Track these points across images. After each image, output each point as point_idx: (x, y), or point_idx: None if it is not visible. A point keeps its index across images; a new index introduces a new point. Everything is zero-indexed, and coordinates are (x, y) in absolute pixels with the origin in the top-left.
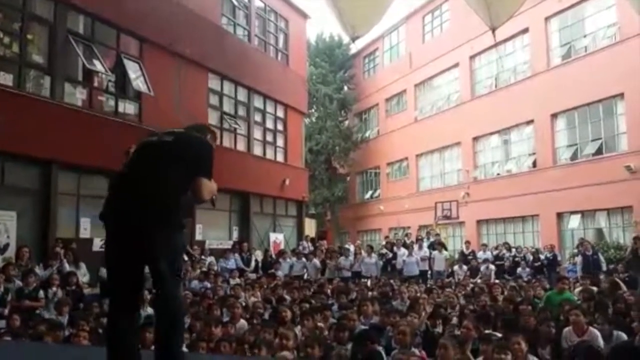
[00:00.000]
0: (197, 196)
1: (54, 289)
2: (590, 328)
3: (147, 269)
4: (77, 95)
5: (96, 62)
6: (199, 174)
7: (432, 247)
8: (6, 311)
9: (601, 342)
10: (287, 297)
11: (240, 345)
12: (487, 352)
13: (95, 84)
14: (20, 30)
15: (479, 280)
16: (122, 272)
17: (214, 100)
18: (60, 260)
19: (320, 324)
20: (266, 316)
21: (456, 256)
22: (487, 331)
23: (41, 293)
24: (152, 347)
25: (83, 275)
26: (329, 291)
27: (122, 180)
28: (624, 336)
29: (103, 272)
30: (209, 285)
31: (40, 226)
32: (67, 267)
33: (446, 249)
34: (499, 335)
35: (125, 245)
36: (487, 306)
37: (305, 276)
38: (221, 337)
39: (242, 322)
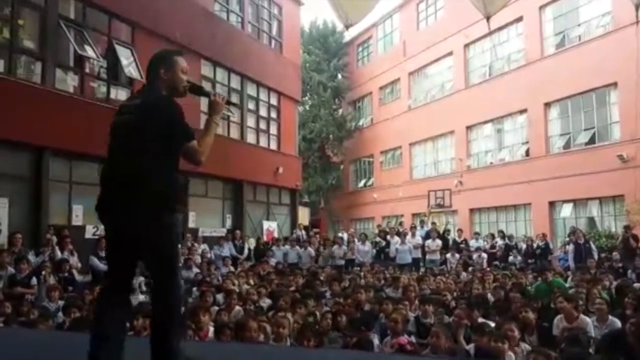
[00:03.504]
0: (196, 163)
1: (46, 275)
2: (581, 316)
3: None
4: (68, 82)
5: (88, 48)
6: (180, 142)
7: (426, 235)
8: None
9: (592, 329)
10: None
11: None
12: (480, 342)
13: (87, 70)
14: (11, 16)
15: (470, 269)
16: (118, 262)
17: (206, 87)
18: (52, 247)
19: (314, 311)
20: (260, 304)
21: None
22: (480, 320)
23: (34, 280)
24: (147, 334)
25: (75, 262)
26: (322, 279)
27: (104, 169)
28: (618, 323)
29: (94, 259)
30: (197, 271)
31: (32, 213)
32: (59, 254)
33: (442, 238)
34: (492, 324)
35: (119, 238)
36: (479, 294)
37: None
38: (221, 324)
39: (238, 308)
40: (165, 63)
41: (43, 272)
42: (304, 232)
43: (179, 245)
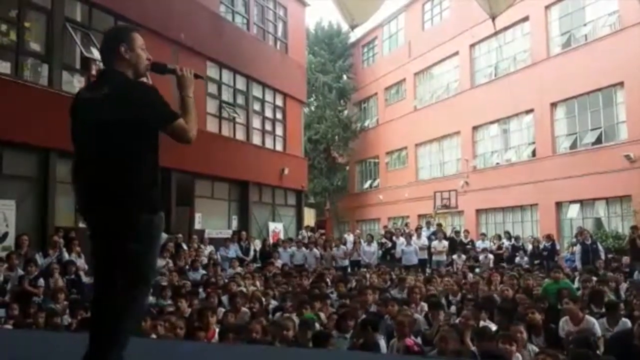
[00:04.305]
0: (186, 141)
1: (56, 276)
2: (587, 317)
3: None
4: (74, 84)
5: (94, 50)
6: (166, 125)
7: (432, 236)
8: (6, 299)
9: (598, 330)
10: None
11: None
12: (481, 346)
13: (94, 72)
14: (18, 18)
15: (477, 270)
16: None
17: (212, 88)
18: (59, 249)
19: (320, 313)
20: (266, 305)
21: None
22: (482, 323)
23: (41, 281)
24: (152, 336)
25: (82, 264)
26: (328, 280)
27: (76, 170)
28: (629, 324)
29: None
30: (204, 272)
31: (39, 215)
32: (66, 256)
33: (450, 239)
34: (494, 327)
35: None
36: (486, 296)
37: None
38: (224, 327)
39: (244, 310)
40: (125, 40)
41: (55, 276)
42: (310, 233)
43: (153, 250)
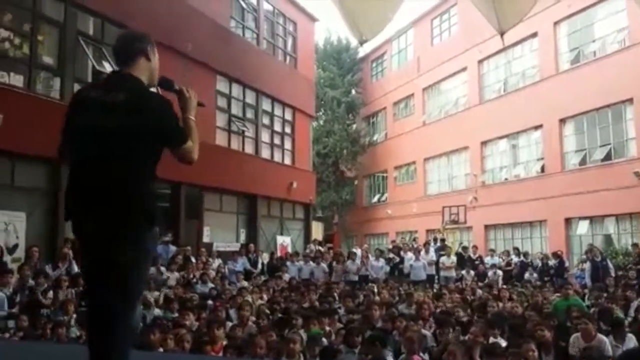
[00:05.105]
0: (190, 162)
1: (64, 289)
2: (599, 335)
3: None
4: None
5: (105, 63)
6: (179, 143)
7: (440, 251)
8: (16, 311)
9: (609, 348)
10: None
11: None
12: None
13: None
14: (31, 32)
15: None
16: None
17: (222, 102)
18: (69, 261)
19: (327, 328)
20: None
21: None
22: (491, 339)
23: (50, 293)
24: (160, 349)
25: None
26: (336, 295)
27: (74, 178)
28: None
29: None
30: (212, 286)
31: (50, 226)
32: (76, 268)
33: (458, 255)
34: (503, 344)
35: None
36: (495, 312)
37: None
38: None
39: (251, 324)
40: (151, 43)
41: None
42: (318, 247)
43: (145, 265)
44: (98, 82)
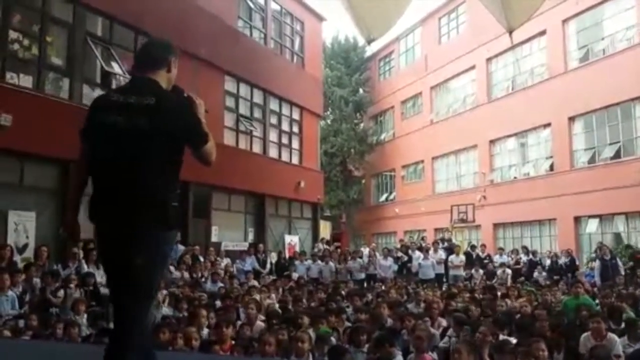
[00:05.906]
0: (206, 164)
1: (73, 289)
2: (610, 334)
3: None
4: (94, 97)
5: (114, 64)
6: (197, 146)
7: (448, 250)
8: (25, 310)
9: (619, 348)
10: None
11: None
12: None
13: (113, 86)
14: (40, 33)
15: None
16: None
17: (230, 102)
18: (78, 260)
19: (336, 327)
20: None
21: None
22: (501, 337)
23: (61, 293)
24: (169, 348)
25: (101, 276)
26: (343, 294)
27: (98, 178)
28: None
29: None
30: (220, 284)
31: (59, 226)
32: (85, 268)
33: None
34: (513, 341)
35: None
36: (504, 311)
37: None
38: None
39: (259, 323)
40: (175, 54)
41: (72, 288)
42: (325, 246)
43: (161, 266)
44: (121, 86)
